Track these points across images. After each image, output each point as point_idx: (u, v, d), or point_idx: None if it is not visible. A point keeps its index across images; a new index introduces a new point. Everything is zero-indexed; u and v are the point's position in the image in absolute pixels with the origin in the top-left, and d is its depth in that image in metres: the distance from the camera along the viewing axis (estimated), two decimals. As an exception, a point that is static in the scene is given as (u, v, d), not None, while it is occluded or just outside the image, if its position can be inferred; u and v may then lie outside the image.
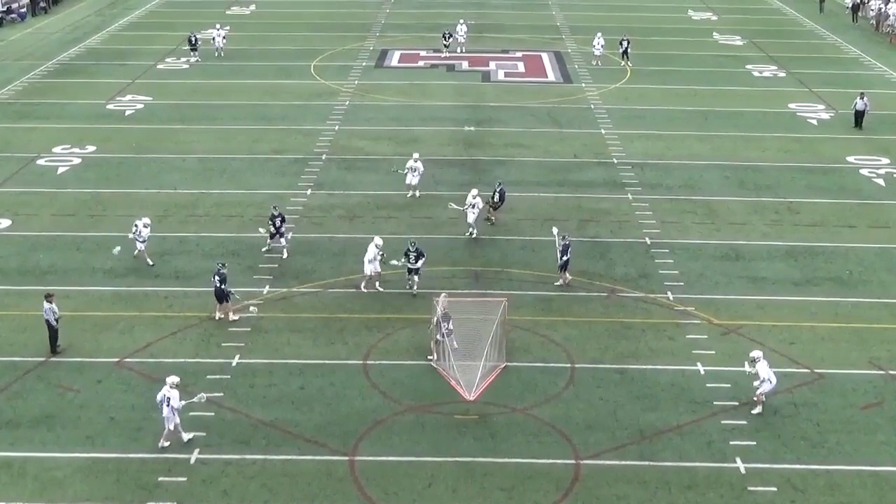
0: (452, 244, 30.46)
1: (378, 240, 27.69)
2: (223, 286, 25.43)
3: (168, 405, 20.41)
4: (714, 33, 60.02)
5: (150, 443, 20.87)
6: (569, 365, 24.05)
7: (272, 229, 29.43)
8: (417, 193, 33.80)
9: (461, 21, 56.38)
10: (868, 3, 65.35)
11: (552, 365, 24.05)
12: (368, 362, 24.10)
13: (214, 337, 25.07)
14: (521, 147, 39.47)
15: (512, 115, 43.70)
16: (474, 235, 30.91)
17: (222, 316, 25.61)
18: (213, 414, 21.64)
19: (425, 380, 23.41)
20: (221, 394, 22.51)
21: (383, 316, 26.31)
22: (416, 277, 27.35)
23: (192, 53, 52.24)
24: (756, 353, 22.23)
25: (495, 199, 31.77)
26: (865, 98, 42.06)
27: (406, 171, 33.74)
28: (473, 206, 30.82)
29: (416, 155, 34.19)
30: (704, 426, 21.69)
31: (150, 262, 29.01)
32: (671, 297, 27.35)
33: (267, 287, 27.64)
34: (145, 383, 23.02)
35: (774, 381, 21.88)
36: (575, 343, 25.01)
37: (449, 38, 54.69)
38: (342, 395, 22.73)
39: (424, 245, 28.05)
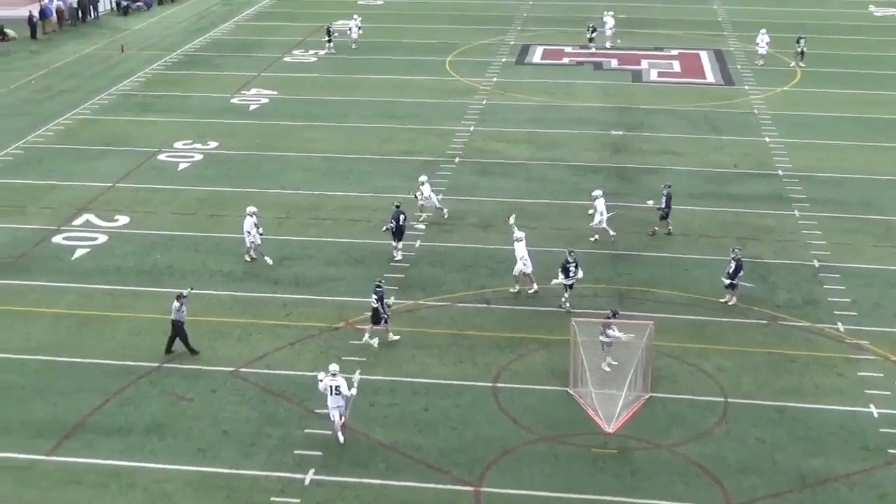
0: (595, 259, 30.16)
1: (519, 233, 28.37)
2: (379, 305, 25.62)
3: (338, 393, 21.33)
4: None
5: (263, 459, 21.31)
6: (721, 399, 23.47)
7: (392, 225, 29.75)
8: (445, 211, 33.03)
9: (608, 13, 55.98)
10: None
11: (702, 398, 23.53)
12: (498, 385, 24.05)
13: (335, 349, 25.43)
14: (674, 154, 38.95)
15: (665, 119, 43.20)
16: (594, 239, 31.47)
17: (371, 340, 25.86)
18: (329, 433, 21.93)
19: (560, 407, 23.20)
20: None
21: (516, 335, 26.25)
22: (568, 292, 27.30)
23: (327, 44, 53.39)
24: None
25: (661, 206, 31.53)
26: None
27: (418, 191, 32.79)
28: (595, 210, 31.06)
29: (423, 178, 33.09)
30: (877, 476, 20.82)
31: (252, 258, 30.11)
32: (841, 329, 26.42)
33: (392, 298, 27.74)
34: (260, 395, 23.55)
35: None
36: (729, 375, 24.39)
37: (593, 31, 54.37)
38: (469, 419, 22.72)
39: (547, 260, 28.19)
